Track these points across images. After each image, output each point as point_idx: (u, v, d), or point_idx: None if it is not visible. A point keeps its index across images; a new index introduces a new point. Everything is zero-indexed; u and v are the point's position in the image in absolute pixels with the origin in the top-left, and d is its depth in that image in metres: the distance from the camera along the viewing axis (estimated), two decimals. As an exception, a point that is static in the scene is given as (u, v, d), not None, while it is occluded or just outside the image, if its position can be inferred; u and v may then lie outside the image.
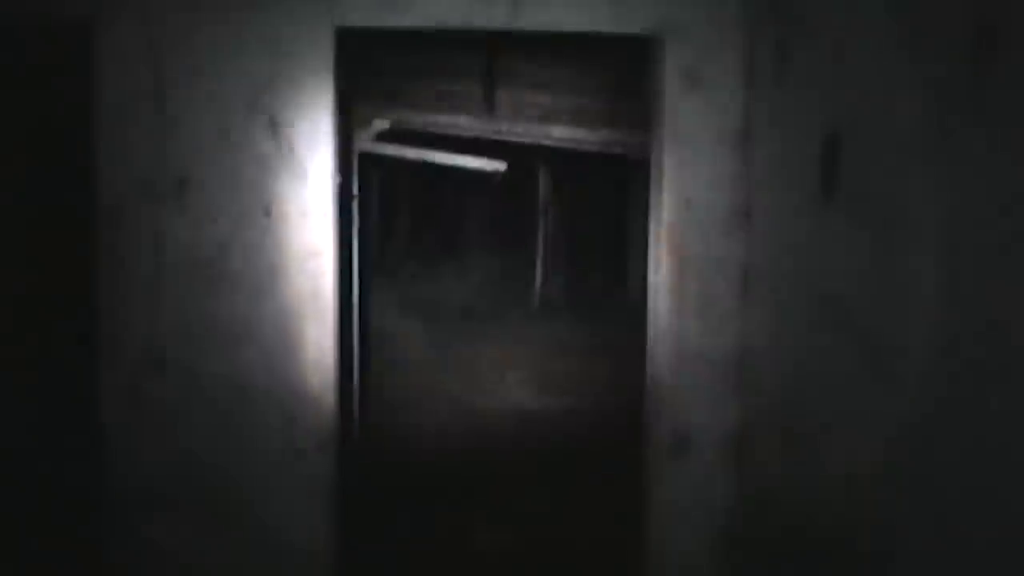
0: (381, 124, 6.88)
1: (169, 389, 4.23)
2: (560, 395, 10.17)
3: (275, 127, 4.18)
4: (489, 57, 6.75)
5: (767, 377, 4.00)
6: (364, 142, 6.79)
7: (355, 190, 6.57)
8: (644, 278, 4.66)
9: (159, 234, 4.17)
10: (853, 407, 3.11)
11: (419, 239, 16.71)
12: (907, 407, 2.74)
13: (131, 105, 4.14)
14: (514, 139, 7.48)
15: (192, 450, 4.26)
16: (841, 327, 3.20)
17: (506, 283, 15.85)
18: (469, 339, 12.84)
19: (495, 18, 4.18)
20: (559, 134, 7.16)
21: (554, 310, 14.93)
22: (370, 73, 6.69)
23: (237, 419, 4.27)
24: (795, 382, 3.65)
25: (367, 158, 7.21)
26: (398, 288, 14.73)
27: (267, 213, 4.20)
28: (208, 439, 4.26)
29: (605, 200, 15.96)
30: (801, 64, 3.65)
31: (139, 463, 4.25)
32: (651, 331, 4.50)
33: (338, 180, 4.33)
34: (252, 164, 4.19)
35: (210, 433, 4.26)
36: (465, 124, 7.22)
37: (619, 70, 6.60)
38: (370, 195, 14.53)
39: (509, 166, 8.50)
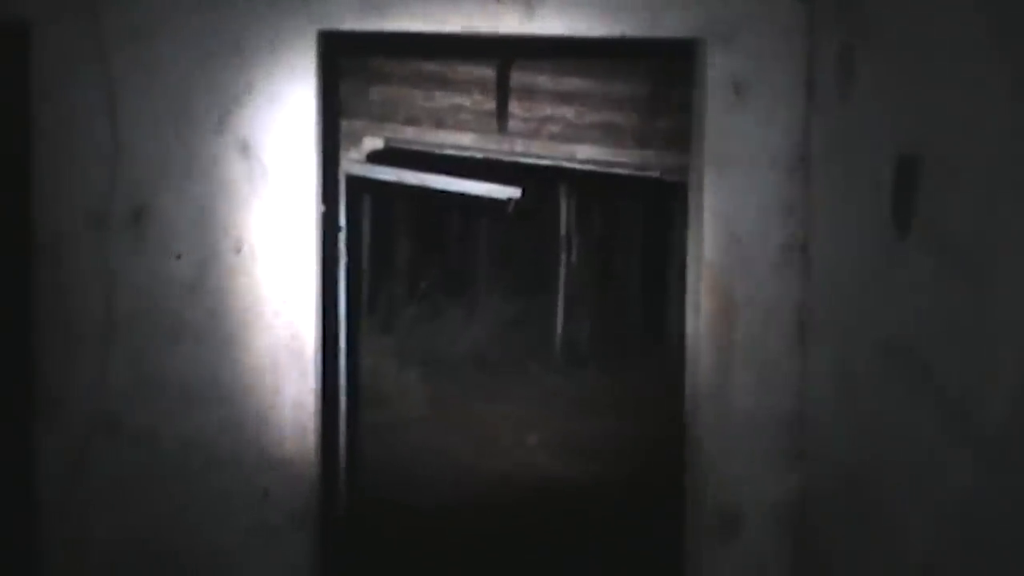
0: (374, 143, 6.87)
1: (121, 457, 4.21)
2: (587, 462, 10.09)
3: (247, 148, 4.18)
4: (502, 65, 6.75)
5: (829, 441, 3.95)
6: (353, 164, 6.79)
7: (342, 221, 6.57)
8: (683, 324, 4.63)
9: (110, 274, 4.16)
10: (931, 477, 3.06)
11: (419, 278, 16.68)
12: (995, 476, 2.69)
13: (76, 121, 4.15)
14: (531, 160, 7.46)
15: (147, 530, 4.23)
16: (916, 383, 3.15)
17: (522, 329, 15.79)
18: (479, 395, 12.76)
19: (506, 21, 4.18)
20: (584, 155, 7.13)
21: (579, 361, 14.86)
22: (360, 84, 6.70)
23: (200, 492, 4.24)
24: (862, 447, 3.60)
25: (357, 183, 7.20)
26: (394, 335, 14.69)
27: (238, 249, 4.19)
28: (166, 516, 4.24)
29: (638, 232, 15.93)
30: (870, 72, 3.63)
31: (83, 547, 4.22)
32: (691, 387, 4.48)
33: (322, 210, 4.33)
34: (220, 192, 4.19)
35: (169, 510, 4.24)
36: (474, 143, 7.20)
37: (655, 80, 6.60)
38: (360, 227, 14.52)
39: (525, 192, 8.47)
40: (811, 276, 4.16)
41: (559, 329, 15.41)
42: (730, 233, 4.24)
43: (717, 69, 4.21)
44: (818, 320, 4.10)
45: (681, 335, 4.59)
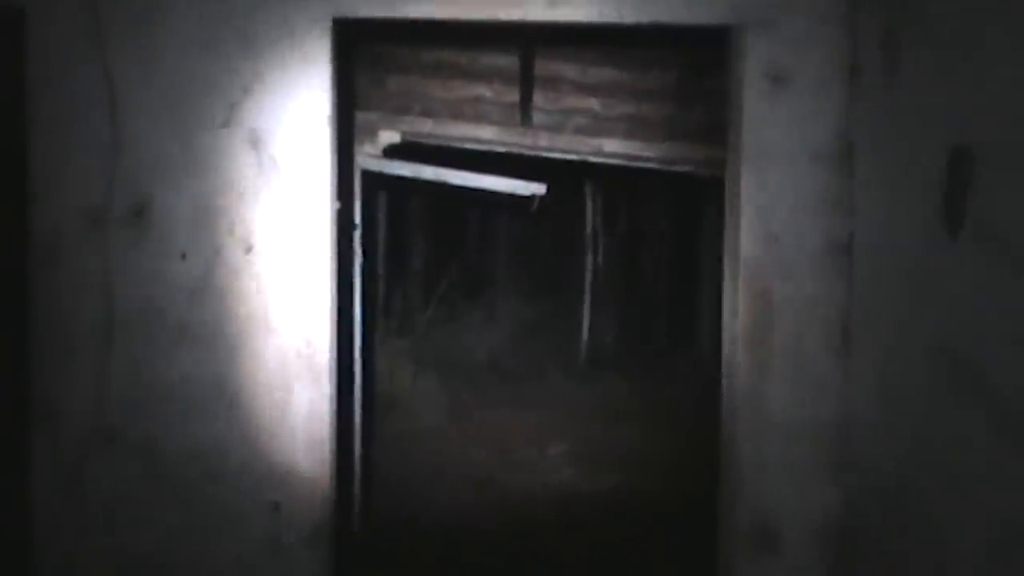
0: (390, 136, 6.86)
1: (121, 469, 4.19)
2: (613, 474, 10.06)
3: (257, 141, 4.16)
4: (525, 54, 6.74)
5: (875, 453, 3.93)
6: (369, 159, 6.78)
7: (357, 219, 6.56)
8: (718, 328, 4.61)
9: (110, 274, 4.15)
10: (985, 491, 3.02)
11: (437, 279, 16.68)
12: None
13: (74, 113, 4.14)
14: (556, 155, 7.44)
15: (148, 546, 4.22)
16: (968, 390, 3.12)
17: (544, 333, 15.77)
18: (500, 403, 12.74)
19: (530, 8, 4.16)
20: (611, 148, 7.11)
21: (605, 367, 14.83)
22: (377, 74, 6.69)
23: (206, 506, 4.23)
24: (910, 459, 3.58)
25: (373, 179, 7.19)
26: (410, 339, 14.69)
27: (246, 249, 4.18)
28: (169, 532, 4.22)
29: (668, 231, 15.90)
30: (918, 58, 3.60)
31: (80, 564, 4.21)
32: (726, 394, 4.46)
33: (336, 207, 4.31)
34: (228, 187, 4.18)
35: (171, 525, 4.22)
36: (495, 136, 7.19)
37: (687, 70, 6.58)
38: (376, 225, 14.52)
39: (549, 188, 8.46)
40: (855, 276, 4.13)
41: (584, 333, 15.39)
42: (768, 231, 4.21)
43: (754, 57, 4.18)
44: (862, 323, 4.07)
45: (715, 339, 4.57)
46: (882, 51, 3.84)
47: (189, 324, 4.18)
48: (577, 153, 7.32)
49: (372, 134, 6.83)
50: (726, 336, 4.46)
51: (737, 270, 4.29)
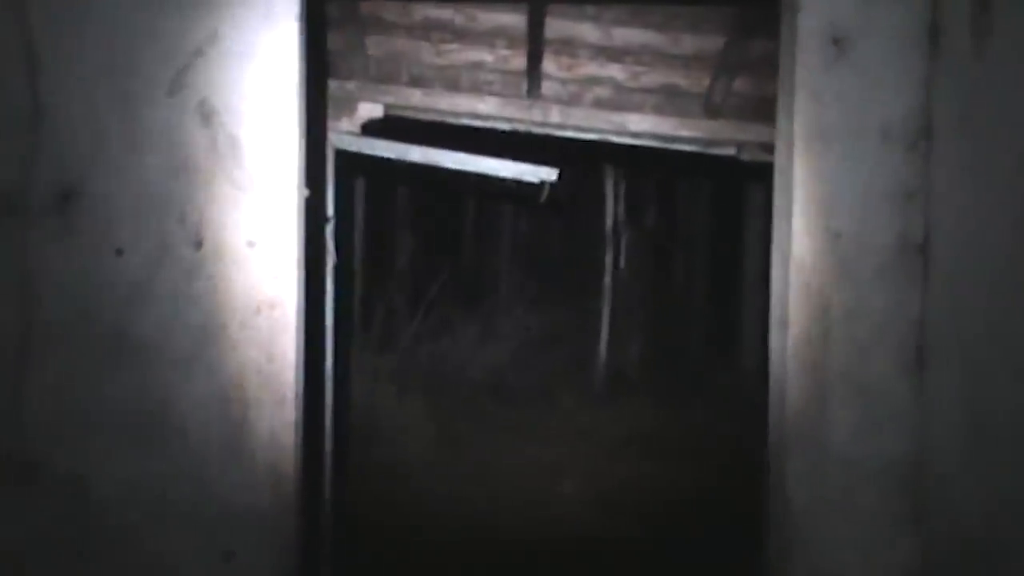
0: (371, 110, 6.85)
1: (43, 508, 4.16)
2: (637, 519, 10.09)
3: (210, 114, 4.14)
4: (534, 10, 6.72)
5: (956, 498, 3.91)
6: (345, 137, 6.77)
7: (331, 210, 6.55)
8: (764, 343, 4.61)
9: (28, 274, 4.12)
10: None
11: (426, 283, 16.68)
12: None
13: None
14: (570, 134, 7.43)
15: (77, 602, 4.20)
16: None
17: (555, 349, 15.80)
18: (501, 433, 12.78)
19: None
20: (637, 126, 7.10)
21: (628, 389, 14.87)
22: (354, 35, 6.68)
23: (145, 557, 4.19)
24: (1000, 507, 3.56)
25: (349, 161, 7.19)
26: (395, 356, 14.71)
27: (198, 244, 4.15)
28: (101, 586, 4.20)
29: (705, 226, 15.95)
30: (1015, 19, 3.57)
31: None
32: (775, 425, 4.44)
33: (305, 195, 4.30)
34: (175, 170, 4.14)
35: (104, 574, 4.19)
36: (497, 111, 7.19)
37: (731, 31, 6.56)
38: (353, 217, 14.54)
39: (562, 174, 8.44)
40: (932, 283, 4.12)
41: (602, 348, 15.41)
42: (827, 227, 4.20)
43: (812, 15, 4.18)
44: (941, 339, 4.05)
45: (761, 358, 4.55)
46: (970, 9, 3.82)
47: (126, 335, 4.14)
48: (596, 132, 7.32)
49: (349, 107, 6.83)
50: (774, 354, 4.45)
51: (788, 275, 4.27)
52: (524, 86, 7.02)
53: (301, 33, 4.17)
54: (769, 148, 4.49)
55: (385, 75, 6.96)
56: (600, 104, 7.15)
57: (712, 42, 6.56)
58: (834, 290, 4.20)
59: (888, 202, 4.16)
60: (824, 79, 4.17)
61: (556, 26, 6.61)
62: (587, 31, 6.66)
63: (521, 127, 7.41)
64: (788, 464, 4.29)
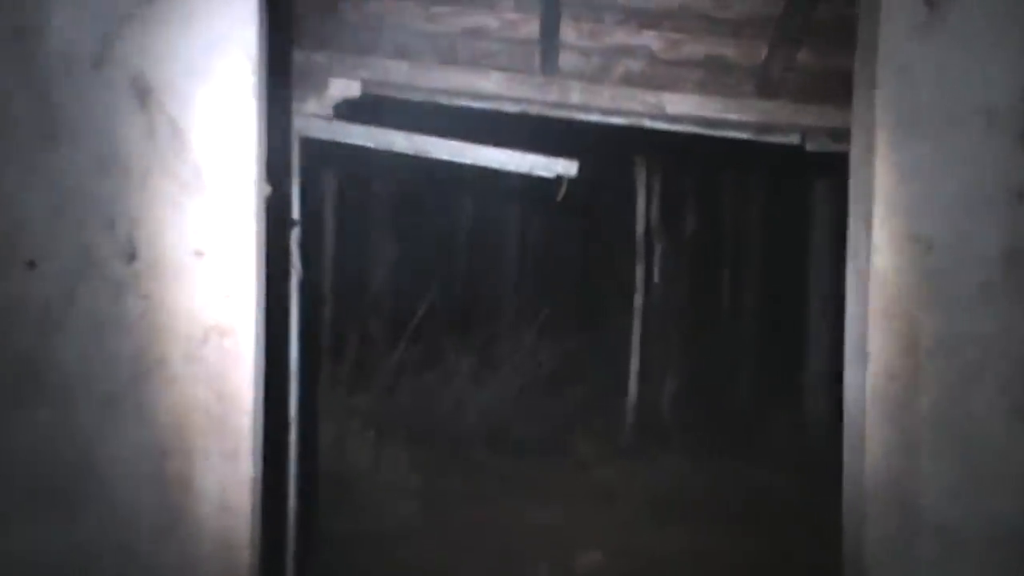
0: (346, 88, 6.82)
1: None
2: (674, 602, 10.11)
3: (146, 93, 4.09)
4: (547, -32, 6.71)
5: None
6: (313, 121, 6.74)
7: (296, 212, 6.50)
8: (836, 381, 4.55)
9: (-77, 293, 4.08)
10: None
11: (411, 303, 16.67)
12: None
13: None
14: (594, 118, 7.41)
15: None
16: None
17: (573, 387, 15.80)
18: (502, 492, 12.77)
19: None
20: (677, 108, 7.05)
21: (661, 438, 14.85)
22: (327, -3, 6.67)
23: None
24: None
25: (319, 151, 7.18)
26: (372, 395, 14.70)
27: (129, 256, 4.10)
28: None
29: (758, 233, 15.98)
30: None
31: None
32: (852, 483, 4.40)
33: (266, 192, 4.27)
34: (102, 163, 4.09)
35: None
36: (503, 89, 7.15)
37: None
38: (322, 221, 14.55)
39: (582, 168, 8.41)
40: (1049, 306, 4.06)
41: (631, 388, 15.38)
42: (915, 233, 4.18)
43: (897, -23, 4.15)
44: (1061, 377, 4.00)
45: (832, 400, 4.51)
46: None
47: (40, 369, 4.09)
48: (626, 115, 7.30)
49: (319, 85, 6.80)
50: (849, 394, 4.41)
51: (867, 293, 4.25)
52: (537, 59, 6.98)
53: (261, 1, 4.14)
54: (842, 136, 4.45)
55: (363, 45, 6.94)
56: (630, 81, 7.11)
57: (769, 3, 6.51)
58: (925, 314, 4.18)
59: (993, 204, 4.14)
60: (915, 49, 4.15)
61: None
62: (612, -10, 6.65)
63: (533, 109, 7.39)
64: (867, 531, 4.26)
